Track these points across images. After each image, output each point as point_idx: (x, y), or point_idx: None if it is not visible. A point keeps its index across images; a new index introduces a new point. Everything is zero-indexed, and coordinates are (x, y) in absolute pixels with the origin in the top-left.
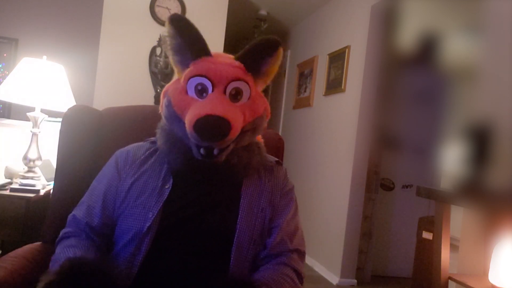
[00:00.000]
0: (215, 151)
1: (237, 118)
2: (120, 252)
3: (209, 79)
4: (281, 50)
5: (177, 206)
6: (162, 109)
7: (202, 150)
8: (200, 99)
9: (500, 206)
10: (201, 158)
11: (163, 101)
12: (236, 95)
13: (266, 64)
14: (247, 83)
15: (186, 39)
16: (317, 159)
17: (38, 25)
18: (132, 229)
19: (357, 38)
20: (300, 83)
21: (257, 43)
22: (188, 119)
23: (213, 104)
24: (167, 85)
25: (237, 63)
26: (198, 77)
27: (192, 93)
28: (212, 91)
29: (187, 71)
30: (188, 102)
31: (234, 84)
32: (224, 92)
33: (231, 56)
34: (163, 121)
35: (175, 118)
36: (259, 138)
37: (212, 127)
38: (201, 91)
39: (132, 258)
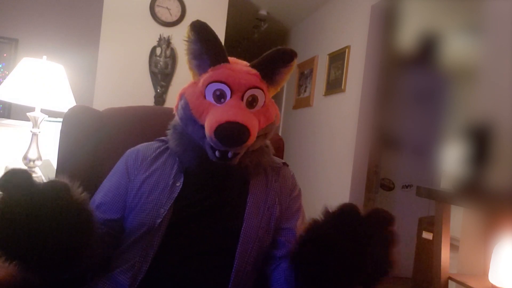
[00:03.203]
0: (230, 154)
1: (254, 124)
2: (131, 247)
3: (228, 86)
4: (295, 61)
5: (187, 204)
6: (177, 110)
7: (217, 153)
8: (218, 104)
9: (500, 206)
10: (216, 160)
11: (179, 102)
12: (252, 102)
13: (280, 74)
14: (262, 91)
15: (206, 46)
16: (317, 159)
17: (38, 25)
18: (145, 225)
19: (357, 38)
20: (300, 83)
21: (274, 53)
22: (209, 125)
23: (233, 111)
24: (184, 87)
25: (254, 71)
26: (218, 83)
27: (210, 98)
28: (231, 97)
29: (206, 76)
30: (206, 107)
31: (251, 92)
32: (242, 99)
33: (247, 63)
34: (176, 121)
35: (192, 120)
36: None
37: (232, 134)
38: (219, 97)
39: (145, 253)
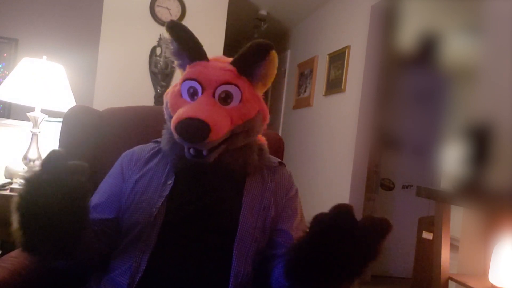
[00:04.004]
0: (204, 152)
1: (219, 120)
2: (128, 248)
3: (199, 83)
4: (273, 53)
5: (180, 202)
6: None
7: (192, 151)
8: (192, 102)
9: (500, 206)
10: (191, 158)
11: (164, 102)
12: (226, 98)
13: (260, 68)
14: (238, 87)
15: (182, 44)
16: (317, 159)
17: (38, 25)
18: (139, 223)
19: (357, 38)
20: (300, 83)
21: (248, 47)
22: (172, 120)
23: (197, 108)
24: (170, 87)
25: (230, 66)
26: (190, 81)
27: (185, 95)
28: (202, 94)
29: (183, 74)
30: (180, 105)
31: (223, 88)
32: (213, 95)
33: (229, 60)
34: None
35: (171, 119)
36: (263, 140)
37: (190, 130)
38: (192, 94)
39: (141, 253)
